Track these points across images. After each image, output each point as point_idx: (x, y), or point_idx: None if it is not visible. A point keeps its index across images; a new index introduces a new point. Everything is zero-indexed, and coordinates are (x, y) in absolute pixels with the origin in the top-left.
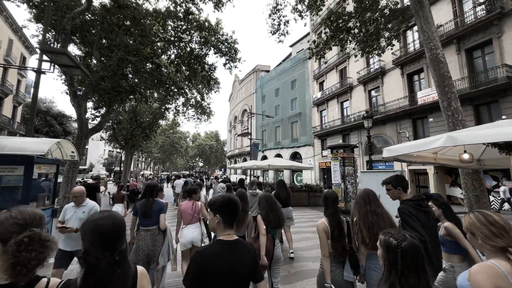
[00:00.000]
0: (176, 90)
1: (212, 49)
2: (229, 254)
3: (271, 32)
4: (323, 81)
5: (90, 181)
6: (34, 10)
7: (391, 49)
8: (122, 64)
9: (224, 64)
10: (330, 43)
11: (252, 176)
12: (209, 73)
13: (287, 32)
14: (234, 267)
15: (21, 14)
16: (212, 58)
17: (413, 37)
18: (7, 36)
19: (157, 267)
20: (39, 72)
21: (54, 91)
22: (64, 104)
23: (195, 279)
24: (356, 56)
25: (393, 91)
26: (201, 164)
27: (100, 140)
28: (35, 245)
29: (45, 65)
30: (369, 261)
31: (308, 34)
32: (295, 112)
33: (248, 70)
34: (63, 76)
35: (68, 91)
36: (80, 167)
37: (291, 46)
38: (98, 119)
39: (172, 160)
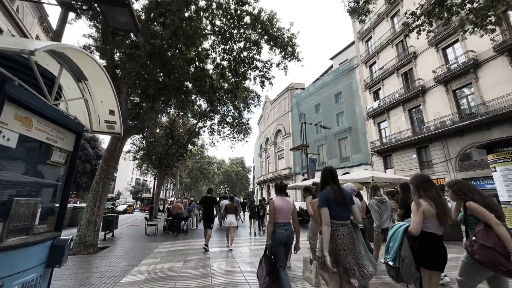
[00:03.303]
0: (221, 97)
1: (267, 44)
2: None
3: (348, 12)
4: (379, 89)
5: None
6: None
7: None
8: (175, 41)
9: (278, 64)
10: (435, 13)
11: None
12: (263, 72)
13: (368, 11)
14: None
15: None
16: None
17: None
18: None
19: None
20: (66, 4)
21: None
22: None
23: None
24: (465, 32)
25: (498, 85)
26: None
27: (133, 160)
28: None
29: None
30: None
31: (352, 43)
32: (343, 128)
33: (280, 90)
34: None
35: (107, 67)
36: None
37: (332, 58)
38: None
39: (198, 187)
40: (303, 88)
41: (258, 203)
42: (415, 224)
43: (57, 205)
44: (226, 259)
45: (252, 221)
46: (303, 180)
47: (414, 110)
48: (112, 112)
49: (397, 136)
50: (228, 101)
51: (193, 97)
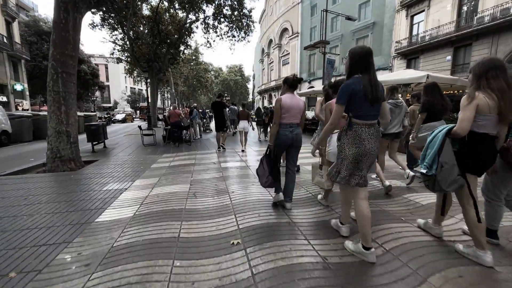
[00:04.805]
0: None
1: None
2: None
3: None
4: None
5: None
6: None
7: None
8: None
9: None
10: None
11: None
12: None
13: None
14: None
15: None
16: None
17: None
18: None
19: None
20: None
21: None
22: None
23: None
24: None
25: None
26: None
27: (117, 63)
28: None
29: None
30: None
31: None
32: (365, 23)
33: None
34: None
35: None
36: (104, 105)
37: None
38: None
39: (196, 97)
40: None
41: (263, 111)
42: (463, 122)
43: None
44: (245, 179)
45: (259, 128)
46: (309, 88)
47: None
48: None
49: (434, 33)
50: None
51: None
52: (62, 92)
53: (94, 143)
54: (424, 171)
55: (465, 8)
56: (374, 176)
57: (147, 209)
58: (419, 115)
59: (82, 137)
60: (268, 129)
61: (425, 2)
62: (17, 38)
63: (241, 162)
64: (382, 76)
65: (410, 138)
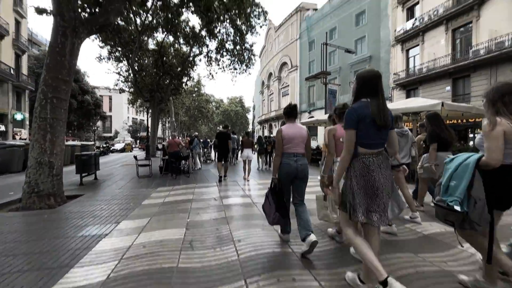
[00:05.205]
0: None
1: None
2: None
3: None
4: (416, 3)
5: None
6: None
7: None
8: None
9: None
10: None
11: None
12: None
13: None
14: None
15: None
16: None
17: None
18: None
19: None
20: None
21: None
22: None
23: None
24: None
25: None
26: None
27: (120, 92)
28: None
29: None
30: None
31: None
32: (362, 57)
33: (288, 12)
34: None
35: None
36: (105, 134)
37: None
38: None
39: (197, 127)
40: (316, 9)
41: (264, 140)
42: (494, 153)
43: None
44: (251, 220)
45: (260, 157)
46: (309, 118)
47: (460, 29)
48: None
49: (430, 65)
50: (227, 17)
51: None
52: (49, 118)
53: (83, 174)
54: (458, 207)
55: (458, 43)
56: (407, 217)
57: (127, 268)
58: (430, 145)
59: (73, 168)
60: (271, 158)
61: (418, 38)
62: (24, 70)
63: (245, 198)
64: (394, 104)
65: (417, 168)
